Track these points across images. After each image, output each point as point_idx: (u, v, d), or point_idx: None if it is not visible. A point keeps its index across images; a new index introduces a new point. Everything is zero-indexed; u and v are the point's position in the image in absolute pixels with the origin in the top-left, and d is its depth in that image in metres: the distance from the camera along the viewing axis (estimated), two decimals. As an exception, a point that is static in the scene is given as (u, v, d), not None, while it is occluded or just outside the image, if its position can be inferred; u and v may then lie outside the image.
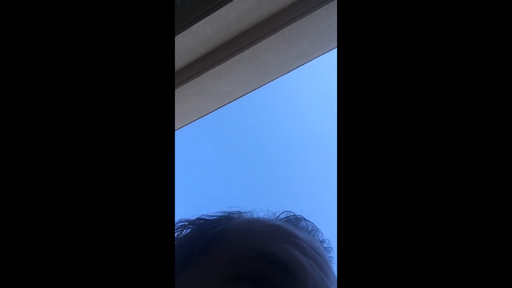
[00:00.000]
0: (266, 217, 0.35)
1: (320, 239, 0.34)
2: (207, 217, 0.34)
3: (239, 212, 0.35)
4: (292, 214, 0.35)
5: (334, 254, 0.34)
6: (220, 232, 0.31)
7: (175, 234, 0.33)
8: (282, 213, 0.35)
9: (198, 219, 0.34)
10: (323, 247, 0.33)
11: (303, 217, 0.35)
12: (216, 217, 0.34)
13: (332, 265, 0.32)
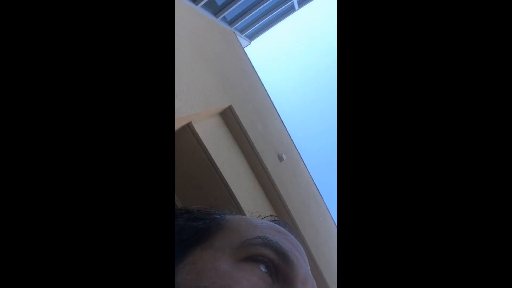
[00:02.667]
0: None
1: (301, 243, 0.39)
2: (203, 209, 0.38)
3: (230, 211, 0.39)
4: (277, 218, 0.41)
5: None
6: (223, 220, 0.35)
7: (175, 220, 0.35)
8: (266, 216, 0.41)
9: (195, 207, 0.38)
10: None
11: (286, 222, 0.40)
12: (213, 211, 0.38)
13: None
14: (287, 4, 5.92)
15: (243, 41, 6.06)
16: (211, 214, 0.36)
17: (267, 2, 5.33)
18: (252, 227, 0.34)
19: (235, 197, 2.13)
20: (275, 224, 0.37)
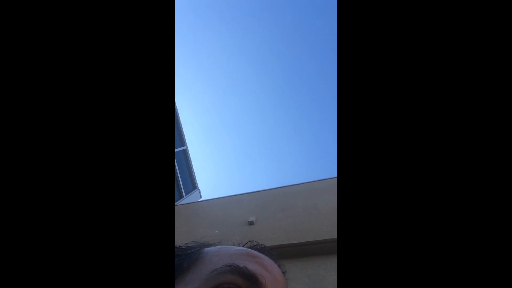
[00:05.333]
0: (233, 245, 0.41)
1: (279, 264, 0.40)
2: (183, 246, 0.40)
3: (209, 243, 0.41)
4: (256, 243, 0.42)
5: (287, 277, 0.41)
6: (198, 254, 0.37)
7: None
8: (247, 242, 0.42)
9: (176, 248, 0.39)
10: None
11: (266, 247, 0.42)
12: (192, 245, 0.40)
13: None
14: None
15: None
16: (187, 250, 0.38)
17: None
18: (224, 256, 0.35)
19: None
20: (250, 250, 0.38)
